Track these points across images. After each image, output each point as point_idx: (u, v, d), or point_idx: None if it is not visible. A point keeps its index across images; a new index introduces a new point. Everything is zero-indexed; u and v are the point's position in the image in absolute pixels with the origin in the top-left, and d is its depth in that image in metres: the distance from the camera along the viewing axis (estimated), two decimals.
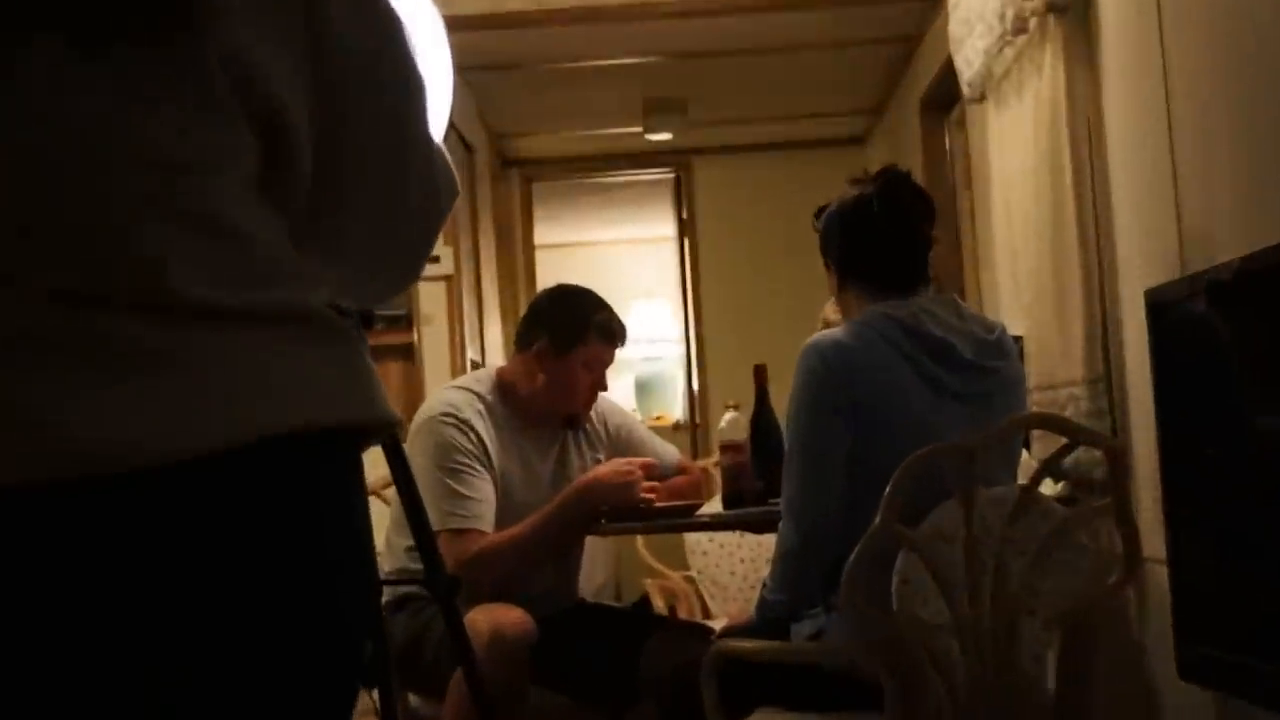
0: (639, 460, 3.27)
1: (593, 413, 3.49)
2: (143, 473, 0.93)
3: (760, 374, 3.27)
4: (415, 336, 5.94)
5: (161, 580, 0.94)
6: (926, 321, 2.61)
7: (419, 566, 3.01)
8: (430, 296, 6.02)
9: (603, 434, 3.52)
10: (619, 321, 3.40)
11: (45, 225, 0.95)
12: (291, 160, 1.06)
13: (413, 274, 1.29)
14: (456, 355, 6.10)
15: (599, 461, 3.45)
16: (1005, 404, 2.64)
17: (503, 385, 3.37)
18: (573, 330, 3.32)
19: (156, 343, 0.95)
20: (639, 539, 5.16)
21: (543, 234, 8.57)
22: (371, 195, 1.15)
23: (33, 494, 0.91)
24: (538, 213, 8.30)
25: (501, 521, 3.17)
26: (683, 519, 3.31)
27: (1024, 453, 2.95)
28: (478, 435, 3.22)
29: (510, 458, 3.29)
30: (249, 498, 0.98)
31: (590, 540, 3.55)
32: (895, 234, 2.70)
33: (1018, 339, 3.04)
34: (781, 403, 2.75)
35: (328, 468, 1.05)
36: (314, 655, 1.02)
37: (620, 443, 3.53)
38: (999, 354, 2.67)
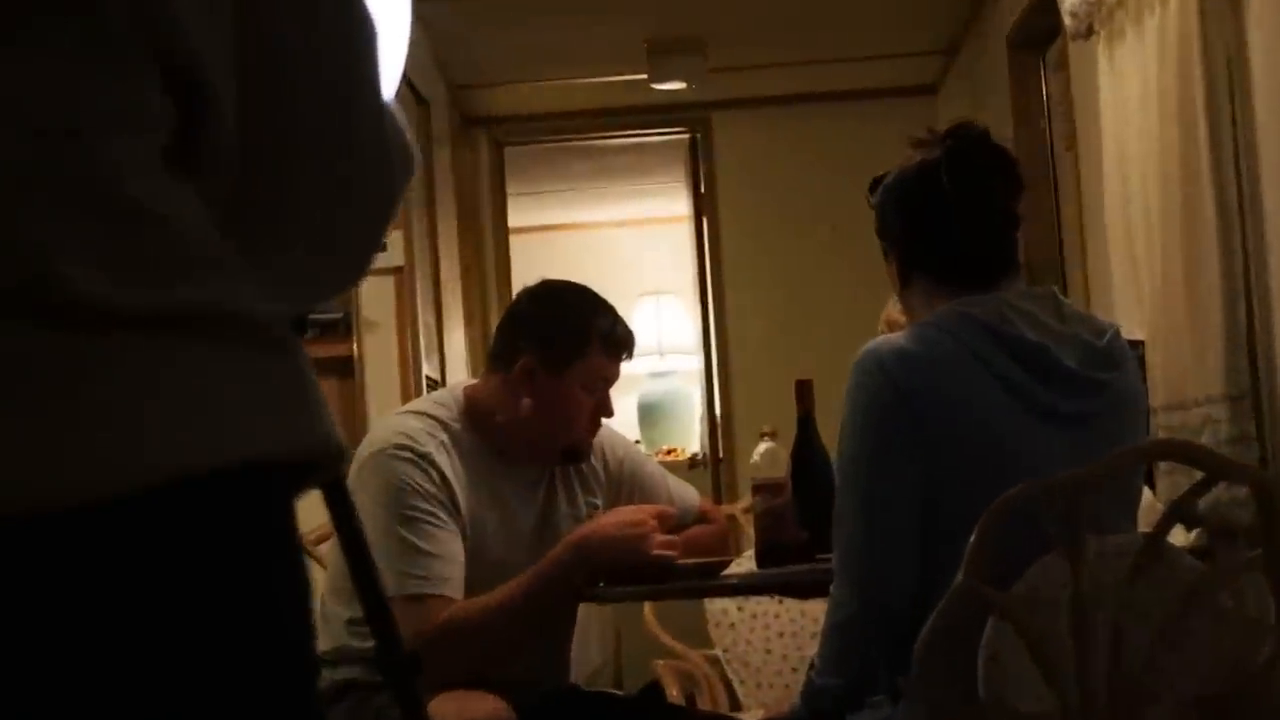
0: (651, 508, 3.28)
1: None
2: (8, 524, 0.93)
3: (804, 392, 3.28)
4: (355, 347, 5.95)
5: (26, 671, 0.94)
6: (1016, 321, 2.62)
7: (363, 644, 3.05)
8: (375, 295, 6.03)
9: (601, 473, 3.53)
10: (625, 327, 3.42)
11: None
12: (210, 124, 1.07)
13: (359, 269, 1.31)
14: (409, 371, 6.11)
15: (595, 509, 3.46)
16: (1119, 427, 2.65)
17: (473, 410, 3.38)
18: (568, 341, 3.34)
19: (39, 357, 0.95)
20: (647, 607, 5.16)
21: (519, 214, 8.59)
22: (310, 170, 1.16)
23: None
24: (512, 186, 8.33)
25: (472, 585, 3.19)
26: (704, 581, 3.32)
27: (1146, 491, 2.96)
28: (441, 474, 3.23)
29: (484, 503, 3.30)
30: (154, 558, 0.98)
31: (584, 609, 3.56)
32: (970, 211, 2.71)
33: (1136, 344, 3.05)
34: (831, 428, 2.76)
35: (260, 516, 1.05)
36: None
37: (624, 484, 3.55)
38: (1110, 363, 2.68)
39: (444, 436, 3.29)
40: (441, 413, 3.35)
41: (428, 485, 3.20)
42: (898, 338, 2.65)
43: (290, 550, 1.09)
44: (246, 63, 1.09)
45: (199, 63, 1.05)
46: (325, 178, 1.18)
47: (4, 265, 0.96)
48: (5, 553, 0.93)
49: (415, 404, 3.53)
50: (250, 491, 1.04)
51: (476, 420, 3.37)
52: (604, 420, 3.46)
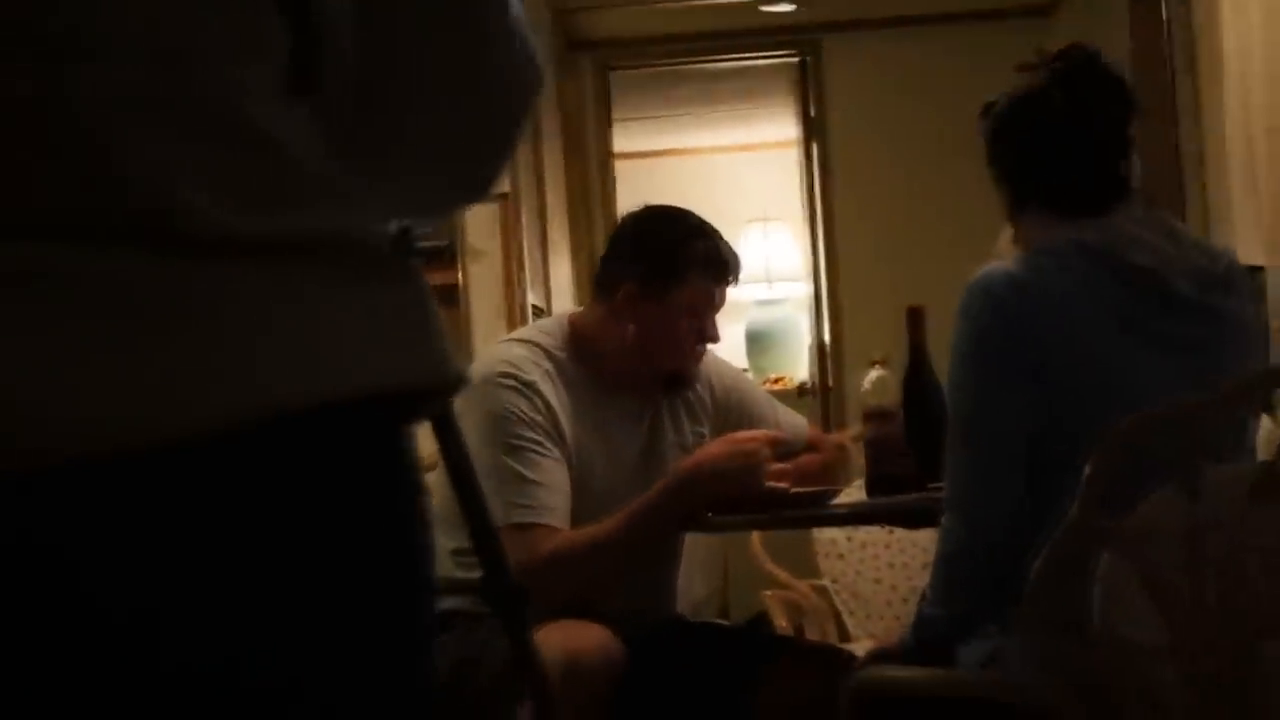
0: (763, 433, 3.28)
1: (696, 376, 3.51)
2: (136, 457, 0.94)
3: (915, 319, 3.27)
4: (460, 275, 5.98)
5: (163, 603, 0.95)
6: (1129, 248, 2.60)
7: (468, 574, 3.07)
8: (479, 224, 6.05)
9: (708, 401, 3.54)
10: (730, 250, 3.41)
11: None
12: (327, 46, 1.08)
13: (482, 191, 1.31)
14: (514, 300, 6.13)
15: (702, 437, 3.47)
16: (1235, 354, 2.63)
17: (578, 338, 3.39)
18: (669, 264, 3.34)
19: (156, 284, 0.96)
20: (754, 537, 5.16)
21: (624, 139, 8.57)
22: (431, 91, 1.17)
23: None
24: (617, 111, 8.32)
25: (577, 515, 3.21)
26: (813, 510, 3.33)
27: (1265, 420, 2.94)
28: (546, 403, 3.24)
29: (589, 433, 3.32)
30: (275, 490, 0.99)
31: (690, 539, 3.58)
32: (1080, 136, 2.70)
33: (1256, 271, 3.02)
34: (943, 357, 2.76)
35: (381, 447, 1.07)
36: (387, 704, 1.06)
37: (731, 412, 3.55)
38: (1227, 290, 2.66)
39: (549, 365, 3.31)
40: (546, 341, 3.36)
41: (532, 414, 3.22)
42: (1005, 267, 2.65)
43: (413, 480, 1.10)
44: None
45: None
46: (448, 98, 1.18)
47: (124, 190, 0.96)
48: (120, 487, 0.94)
49: (520, 332, 3.55)
50: (370, 422, 1.05)
51: (582, 349, 3.38)
52: (710, 347, 3.46)
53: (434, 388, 1.11)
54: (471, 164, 1.26)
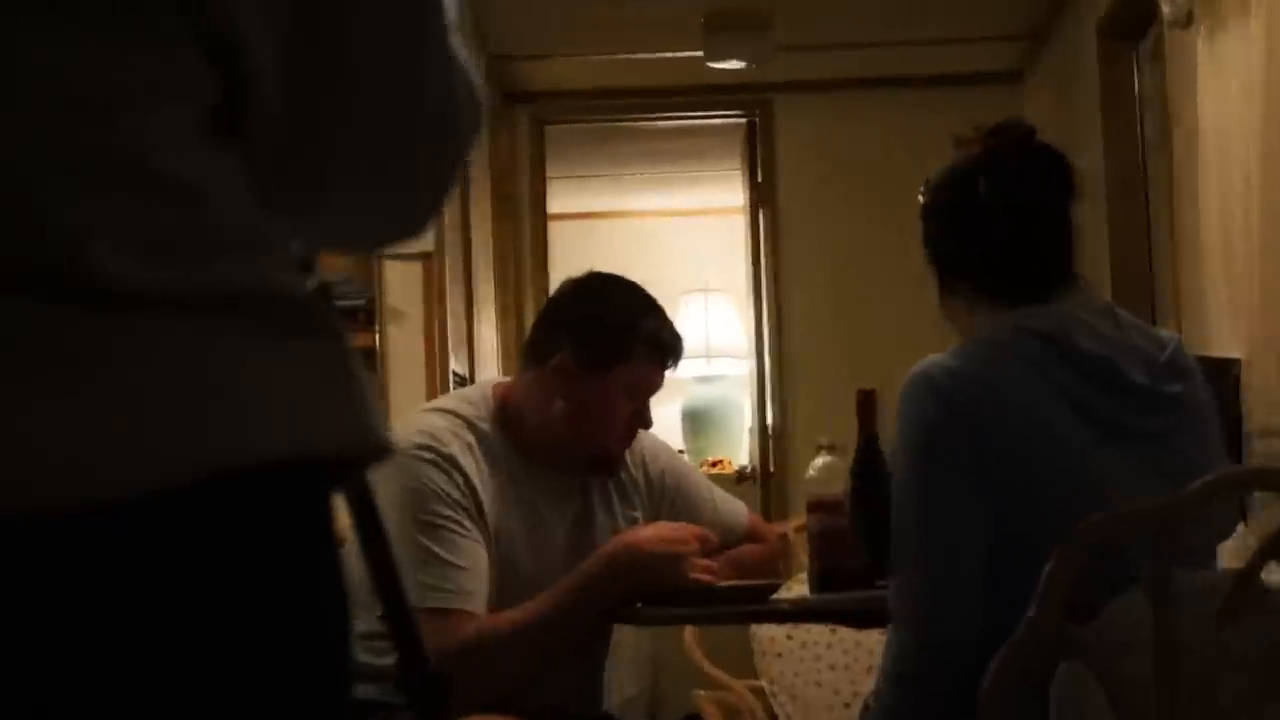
0: (693, 528, 3.28)
1: (628, 455, 3.50)
2: (34, 524, 0.93)
3: (867, 404, 3.26)
4: (377, 338, 5.96)
5: (60, 677, 0.95)
6: (1077, 335, 2.61)
7: (379, 660, 3.04)
8: (400, 282, 6.04)
9: (641, 483, 3.53)
10: (674, 331, 3.41)
11: None
12: (256, 89, 1.08)
13: (417, 226, 1.31)
14: (435, 366, 6.12)
15: (635, 521, 3.46)
16: (1195, 444, 2.64)
17: (504, 409, 3.38)
18: (610, 340, 3.33)
19: (70, 342, 0.96)
20: (688, 632, 5.15)
21: (560, 199, 8.59)
22: (368, 125, 1.17)
23: None
24: (553, 168, 8.34)
25: (500, 601, 3.19)
26: (752, 605, 3.31)
27: (1239, 525, 2.95)
28: (466, 478, 3.23)
29: (512, 512, 3.31)
30: (185, 558, 0.98)
31: (619, 631, 3.56)
32: (1012, 217, 2.72)
33: (1232, 363, 3.04)
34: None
35: (300, 515, 1.06)
36: None
37: (667, 496, 3.54)
38: (1179, 375, 2.67)
39: (470, 437, 3.29)
40: (469, 411, 3.35)
41: (451, 490, 3.19)
42: (945, 357, 2.65)
43: (330, 552, 1.09)
44: (297, 11, 1.09)
45: (242, 27, 1.06)
46: (385, 133, 1.19)
47: (30, 245, 0.97)
48: (50, 558, 0.94)
49: (440, 401, 3.54)
50: (290, 488, 1.04)
51: (507, 421, 3.36)
52: (641, 431, 3.45)
53: (359, 454, 1.10)
54: (407, 197, 1.26)
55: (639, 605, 3.24)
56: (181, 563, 0.98)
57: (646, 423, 3.41)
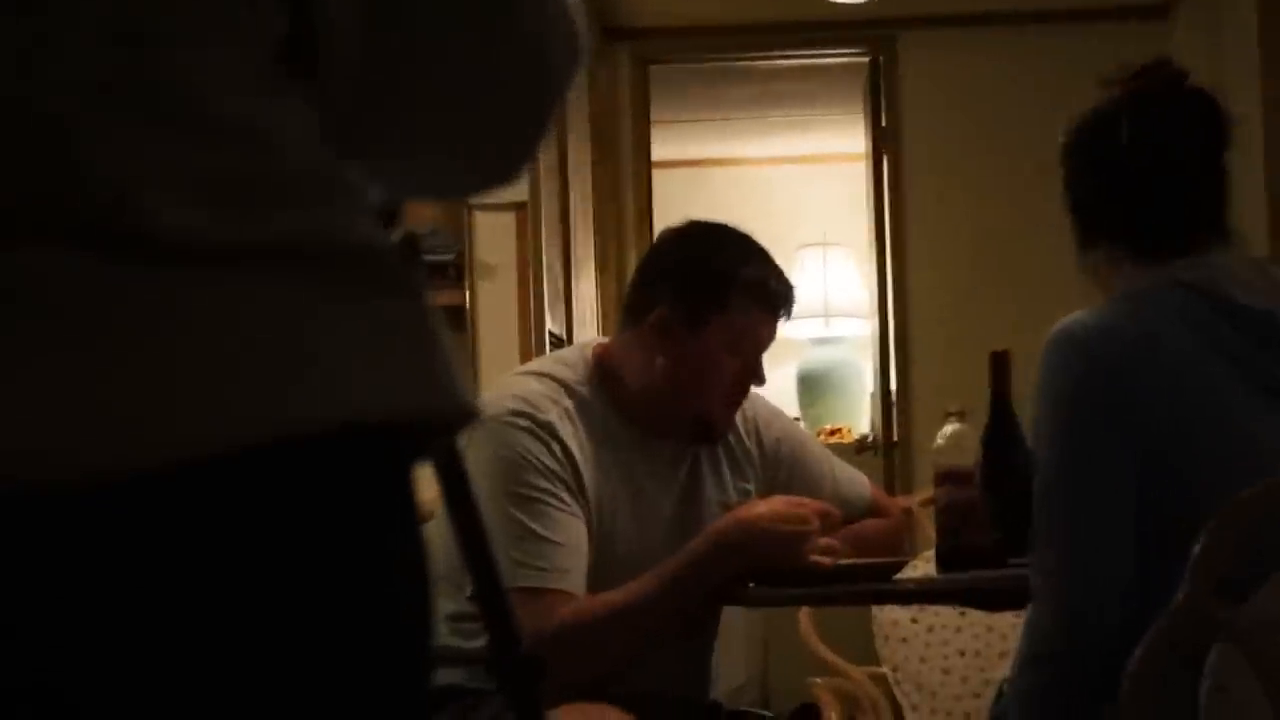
0: (814, 503, 3.27)
1: (739, 422, 3.50)
2: (83, 493, 0.93)
3: (1000, 366, 3.25)
4: (467, 295, 5.98)
5: (117, 654, 0.95)
6: (1232, 288, 2.59)
7: (466, 643, 3.06)
8: (491, 236, 6.06)
9: (754, 453, 3.53)
10: (782, 279, 3.40)
11: None
12: (326, 25, 1.08)
13: (507, 174, 1.30)
14: (530, 325, 6.14)
15: (748, 494, 3.45)
16: None
17: (604, 372, 3.38)
18: (710, 290, 3.32)
19: (111, 296, 0.96)
20: (803, 614, 5.15)
21: (664, 144, 8.59)
22: (453, 52, 1.17)
23: None
24: (658, 112, 8.33)
25: (598, 580, 3.20)
26: (873, 585, 3.31)
27: None
28: (564, 448, 3.23)
29: (614, 484, 3.31)
30: (247, 533, 0.98)
31: (729, 614, 3.56)
32: (1159, 168, 2.71)
33: None
34: (1031, 410, 2.74)
35: (376, 487, 1.06)
36: None
37: (782, 467, 3.54)
38: None
39: (569, 403, 3.29)
40: (567, 374, 3.35)
41: (548, 460, 3.20)
42: (1090, 313, 2.64)
43: (410, 528, 1.09)
44: None
45: None
46: (472, 70, 1.19)
47: (77, 191, 0.97)
48: (64, 524, 0.94)
49: (536, 363, 3.54)
50: (365, 459, 1.04)
51: (608, 385, 3.36)
52: (754, 390, 3.44)
53: (439, 419, 1.10)
54: (495, 143, 1.26)
55: (750, 585, 3.25)
56: (243, 534, 0.98)
57: (759, 379, 3.39)
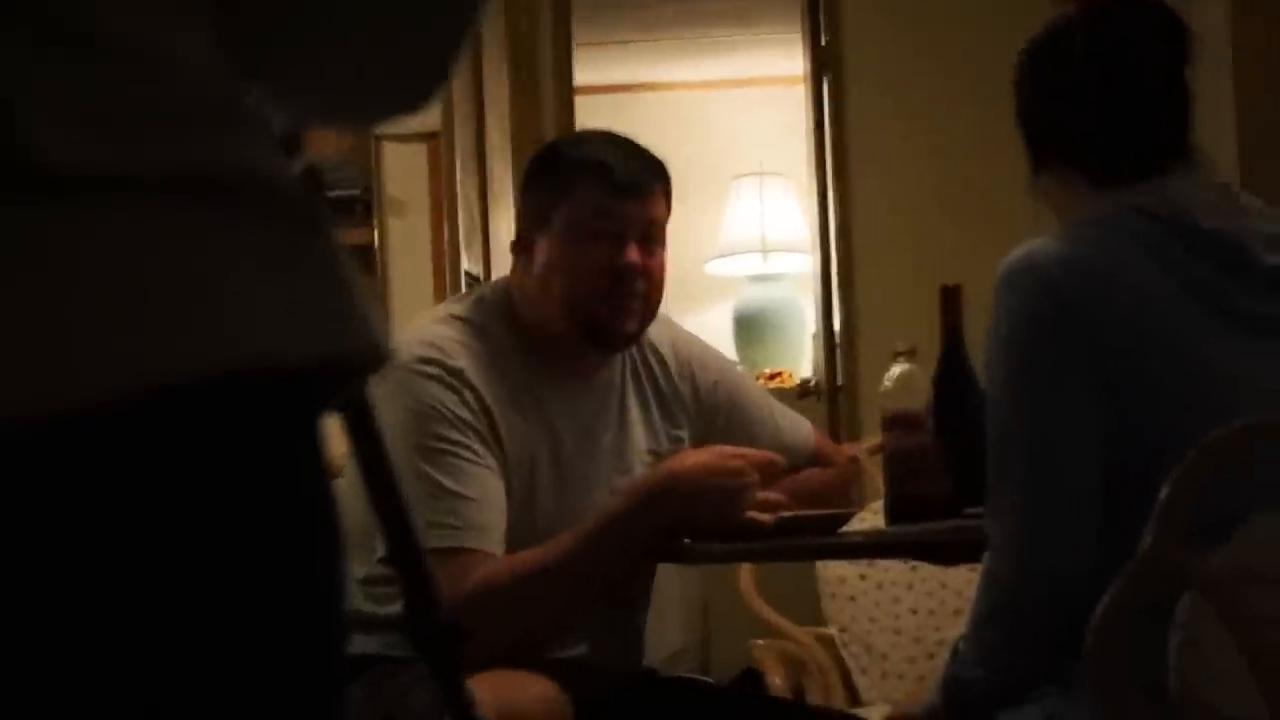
0: (754, 453, 3.27)
1: (671, 361, 3.49)
2: None
3: (951, 301, 3.27)
4: (375, 233, 5.98)
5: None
6: (1198, 213, 2.61)
7: (379, 609, 3.06)
8: (401, 169, 6.05)
9: (689, 398, 3.53)
10: (632, 157, 3.38)
11: None
12: None
13: (420, 99, 1.30)
14: (444, 265, 6.14)
15: (680, 443, 3.46)
16: None
17: (514, 309, 3.39)
18: (550, 182, 3.37)
19: (5, 232, 0.95)
20: (744, 572, 5.16)
21: (588, 68, 8.57)
22: None
23: None
24: (580, 33, 8.31)
25: (517, 537, 3.21)
26: (819, 539, 3.33)
27: None
28: (477, 396, 3.23)
29: (533, 434, 3.32)
30: (139, 486, 0.98)
31: (664, 575, 3.56)
32: (1117, 85, 2.72)
33: None
34: (983, 350, 2.75)
35: (288, 438, 1.05)
36: None
37: (719, 413, 3.55)
38: None
39: (482, 347, 3.29)
40: (478, 314, 3.35)
41: (459, 409, 3.20)
42: (1049, 241, 2.65)
43: (318, 480, 1.09)
44: None
45: None
46: None
47: None
48: None
49: (447, 305, 3.53)
50: (265, 403, 1.04)
51: (517, 325, 3.38)
52: (687, 330, 3.46)
53: (348, 363, 1.10)
54: (408, 60, 1.25)
55: (685, 541, 3.25)
56: (128, 494, 0.98)
57: (630, 266, 3.30)
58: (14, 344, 0.94)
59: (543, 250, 3.32)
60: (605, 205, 3.31)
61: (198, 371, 0.98)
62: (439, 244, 6.15)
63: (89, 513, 0.96)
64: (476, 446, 3.19)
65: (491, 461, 3.21)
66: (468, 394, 3.22)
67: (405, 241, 6.05)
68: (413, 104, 1.30)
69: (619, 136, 3.40)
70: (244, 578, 1.02)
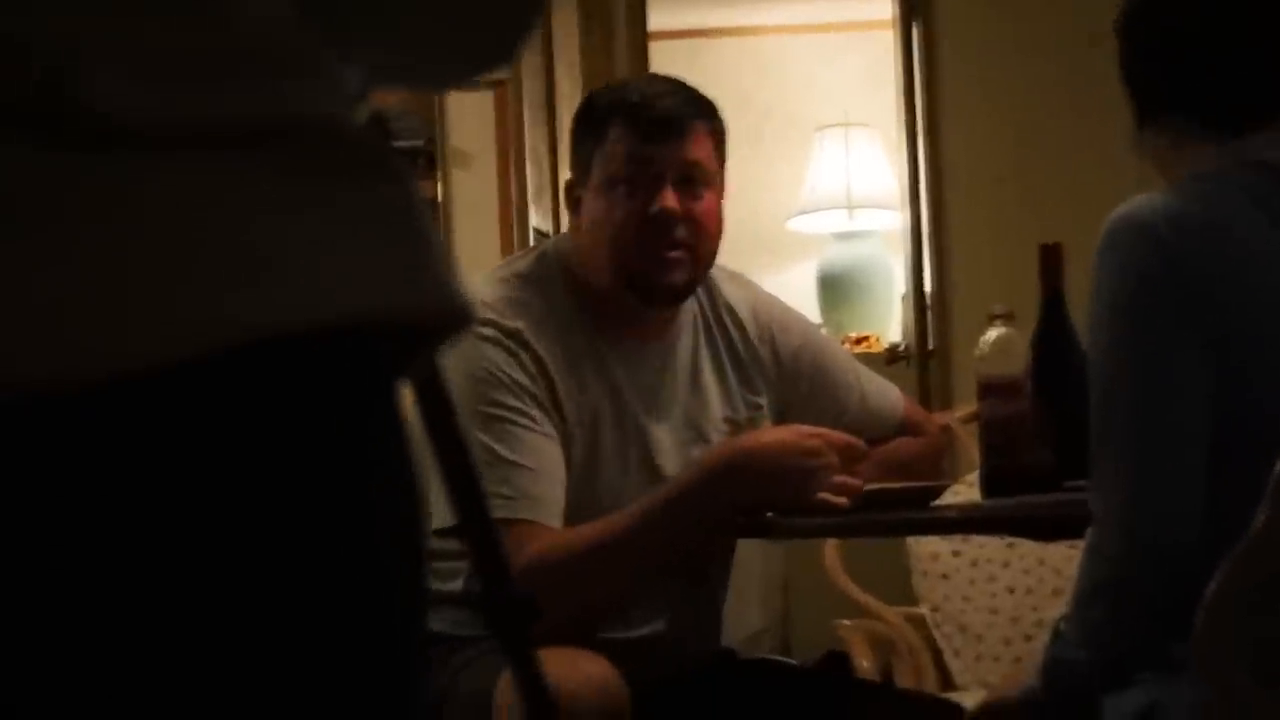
0: (833, 434, 3.26)
1: (751, 326, 3.49)
2: (32, 404, 0.94)
3: (1051, 261, 3.26)
4: (439, 186, 5.98)
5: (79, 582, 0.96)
6: None
7: (442, 585, 3.06)
8: (467, 119, 6.05)
9: (768, 362, 3.53)
10: (659, 90, 3.37)
11: None
12: None
13: (501, 56, 1.30)
14: (511, 220, 6.13)
15: (759, 410, 3.46)
16: None
17: (572, 266, 3.41)
18: (586, 129, 3.38)
19: (53, 187, 0.96)
20: (829, 548, 5.17)
21: (662, 13, 8.57)
22: None
23: None
24: None
25: (578, 511, 3.22)
26: (910, 513, 3.33)
27: None
28: (536, 359, 3.24)
29: (598, 401, 3.33)
30: (211, 448, 0.99)
31: (745, 551, 3.56)
32: (1230, 31, 2.71)
33: None
34: (1085, 312, 2.74)
35: (367, 401, 1.06)
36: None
37: (803, 380, 3.55)
38: None
39: (540, 304, 3.31)
40: (538, 272, 3.36)
41: (516, 373, 3.21)
42: (1157, 197, 2.64)
43: (396, 442, 1.09)
44: None
45: None
46: None
47: (4, 68, 0.97)
48: (38, 449, 0.95)
49: (509, 264, 3.53)
50: (340, 363, 1.04)
51: (577, 284, 3.39)
52: (769, 293, 3.46)
53: (427, 321, 1.10)
54: (487, 18, 1.25)
55: (769, 515, 3.25)
56: (198, 460, 0.99)
57: (664, 210, 3.28)
58: (82, 304, 0.95)
59: (587, 203, 3.35)
60: (635, 149, 3.30)
61: (269, 329, 0.99)
62: (506, 198, 6.16)
63: (162, 476, 0.97)
64: (534, 412, 3.20)
65: (550, 429, 3.22)
66: (525, 356, 3.23)
67: (471, 195, 6.05)
68: (495, 60, 1.31)
69: (659, 76, 3.42)
70: (325, 543, 1.03)
